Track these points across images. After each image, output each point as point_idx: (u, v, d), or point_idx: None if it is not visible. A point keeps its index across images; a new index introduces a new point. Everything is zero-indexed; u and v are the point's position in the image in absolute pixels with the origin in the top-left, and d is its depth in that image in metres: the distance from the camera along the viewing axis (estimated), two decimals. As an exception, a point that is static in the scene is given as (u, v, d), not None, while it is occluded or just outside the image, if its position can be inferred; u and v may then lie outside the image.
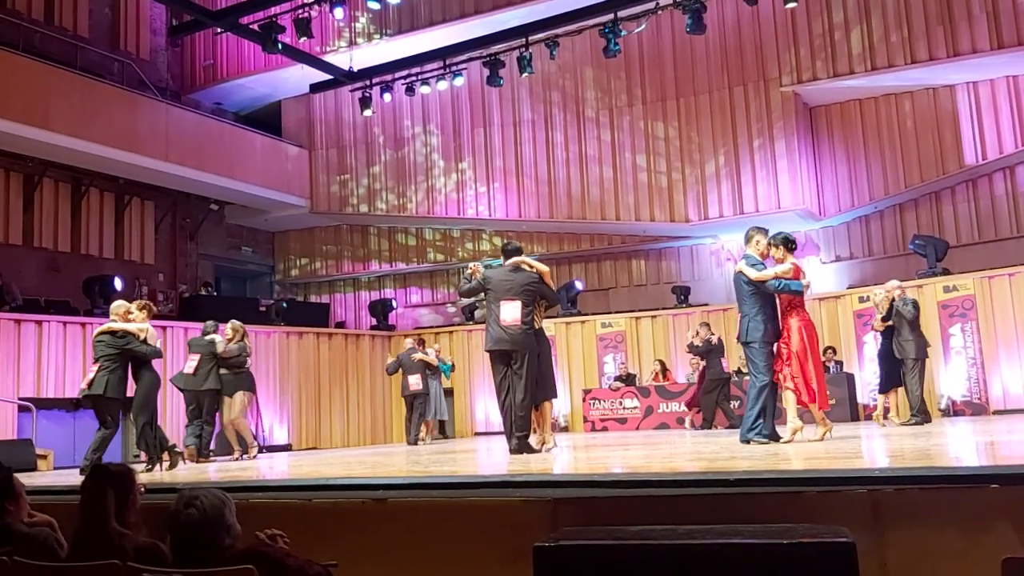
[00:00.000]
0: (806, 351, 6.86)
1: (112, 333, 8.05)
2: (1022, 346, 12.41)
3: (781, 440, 6.78)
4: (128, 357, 8.04)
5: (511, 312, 7.33)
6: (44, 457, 10.58)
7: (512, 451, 7.18)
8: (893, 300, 10.10)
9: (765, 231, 7.31)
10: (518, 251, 7.84)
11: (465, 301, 15.49)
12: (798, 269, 7.03)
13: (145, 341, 8.08)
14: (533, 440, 7.61)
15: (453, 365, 14.49)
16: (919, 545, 3.39)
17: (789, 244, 7.08)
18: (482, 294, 7.79)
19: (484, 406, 15.89)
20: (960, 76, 14.33)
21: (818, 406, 6.94)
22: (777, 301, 7.03)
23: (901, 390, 10.27)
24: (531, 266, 7.67)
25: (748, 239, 7.26)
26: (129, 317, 8.17)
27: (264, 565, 2.75)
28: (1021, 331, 12.43)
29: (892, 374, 10.20)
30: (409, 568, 4.08)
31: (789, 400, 6.99)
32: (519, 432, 7.20)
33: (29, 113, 12.89)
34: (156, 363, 8.47)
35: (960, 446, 5.98)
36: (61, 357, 12.18)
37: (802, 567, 2.91)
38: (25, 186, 14.33)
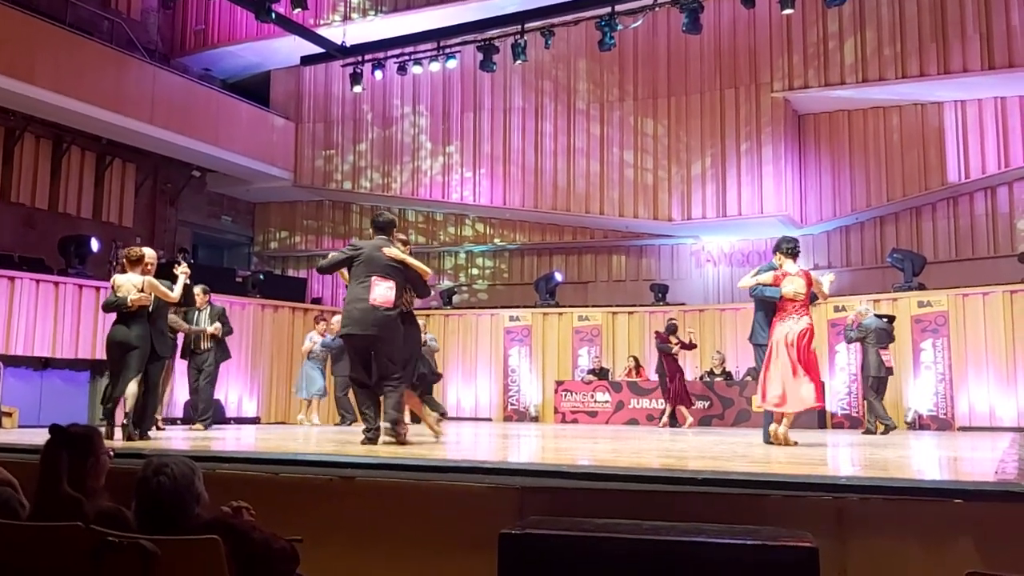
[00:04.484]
0: (772, 354, 7.23)
1: None
2: (991, 365, 12.56)
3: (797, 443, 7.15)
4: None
5: (384, 292, 6.71)
6: (9, 415, 10.44)
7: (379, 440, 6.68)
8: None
9: (784, 239, 7.72)
10: (392, 225, 7.13)
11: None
12: (778, 278, 7.22)
13: (114, 293, 7.51)
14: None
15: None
16: (880, 554, 3.43)
17: (784, 249, 7.48)
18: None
19: (456, 391, 15.90)
20: (949, 94, 14.44)
21: (761, 402, 7.40)
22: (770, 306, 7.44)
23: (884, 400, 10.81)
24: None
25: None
26: None
27: (229, 536, 2.73)
28: (991, 350, 12.58)
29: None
30: (374, 547, 4.08)
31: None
32: (376, 421, 6.75)
33: (14, 66, 12.68)
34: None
35: (925, 460, 6.06)
36: (32, 315, 12.02)
37: (765, 569, 2.93)
38: (5, 140, 14.12)
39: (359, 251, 6.87)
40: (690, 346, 13.07)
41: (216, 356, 10.54)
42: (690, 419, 12.47)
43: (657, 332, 13.04)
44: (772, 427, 7.15)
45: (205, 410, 10.33)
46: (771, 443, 7.06)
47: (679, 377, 12.62)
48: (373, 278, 6.69)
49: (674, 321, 13.20)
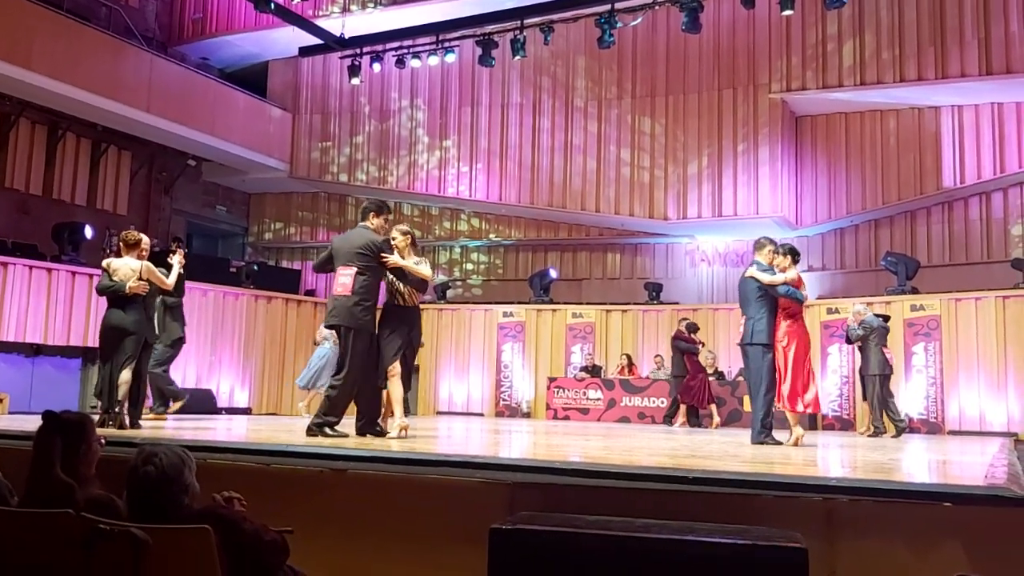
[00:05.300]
0: (800, 359, 7.17)
1: None
2: (981, 370, 12.61)
3: (783, 444, 7.06)
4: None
5: (343, 281, 6.54)
6: (0, 400, 10.44)
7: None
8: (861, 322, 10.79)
9: (774, 241, 7.66)
10: (369, 210, 6.95)
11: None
12: (800, 279, 7.27)
13: (109, 276, 7.31)
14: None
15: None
16: (869, 556, 3.45)
17: (794, 255, 7.47)
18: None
19: (448, 386, 15.91)
20: (946, 99, 14.46)
21: (789, 409, 7.24)
22: (777, 307, 7.34)
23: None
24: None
25: (760, 247, 7.59)
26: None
27: (220, 527, 2.73)
28: (982, 355, 12.63)
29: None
30: (364, 540, 4.08)
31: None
32: (330, 417, 6.49)
33: (11, 51, 12.61)
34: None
35: (915, 463, 6.08)
36: (24, 301, 11.99)
37: (754, 569, 2.94)
38: (0, 125, 14.06)
39: (332, 246, 6.89)
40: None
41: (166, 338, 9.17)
42: (681, 419, 12.47)
43: (679, 332, 12.78)
44: (797, 432, 7.14)
45: (171, 394, 9.40)
46: (761, 443, 7.07)
47: (702, 377, 12.47)
48: (339, 268, 6.65)
49: (692, 321, 13.10)
